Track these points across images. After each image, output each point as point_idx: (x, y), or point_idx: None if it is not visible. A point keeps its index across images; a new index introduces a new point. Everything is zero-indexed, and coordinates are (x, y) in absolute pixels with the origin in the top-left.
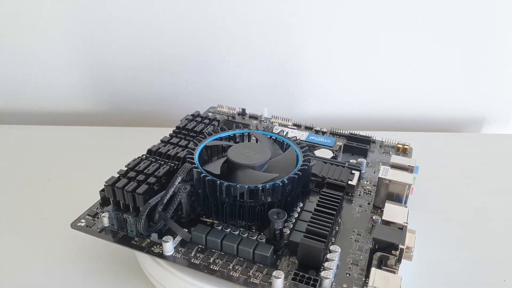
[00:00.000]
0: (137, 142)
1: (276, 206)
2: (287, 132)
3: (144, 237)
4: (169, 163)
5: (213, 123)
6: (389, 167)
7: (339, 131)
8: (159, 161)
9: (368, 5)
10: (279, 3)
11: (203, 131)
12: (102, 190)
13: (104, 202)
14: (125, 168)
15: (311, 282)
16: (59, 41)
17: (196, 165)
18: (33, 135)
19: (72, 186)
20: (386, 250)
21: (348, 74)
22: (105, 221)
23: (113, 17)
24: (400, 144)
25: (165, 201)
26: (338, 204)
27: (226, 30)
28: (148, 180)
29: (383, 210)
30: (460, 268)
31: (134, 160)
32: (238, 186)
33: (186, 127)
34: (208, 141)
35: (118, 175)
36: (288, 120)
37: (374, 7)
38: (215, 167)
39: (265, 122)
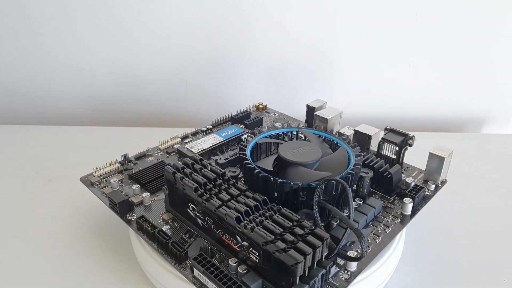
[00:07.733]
0: (137, 142)
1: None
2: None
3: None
4: (272, 207)
5: (202, 162)
6: (324, 115)
7: (219, 120)
8: (264, 212)
9: (368, 5)
10: (279, 2)
11: (218, 172)
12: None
13: None
14: (267, 240)
15: (419, 189)
16: (58, 42)
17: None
18: (33, 135)
19: (72, 186)
20: (404, 144)
21: (348, 74)
22: None
23: (113, 17)
24: (260, 105)
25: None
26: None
27: (225, 30)
28: (305, 228)
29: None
30: (460, 268)
31: (258, 230)
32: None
33: (205, 182)
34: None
35: (280, 250)
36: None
37: (374, 7)
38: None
39: (158, 150)
